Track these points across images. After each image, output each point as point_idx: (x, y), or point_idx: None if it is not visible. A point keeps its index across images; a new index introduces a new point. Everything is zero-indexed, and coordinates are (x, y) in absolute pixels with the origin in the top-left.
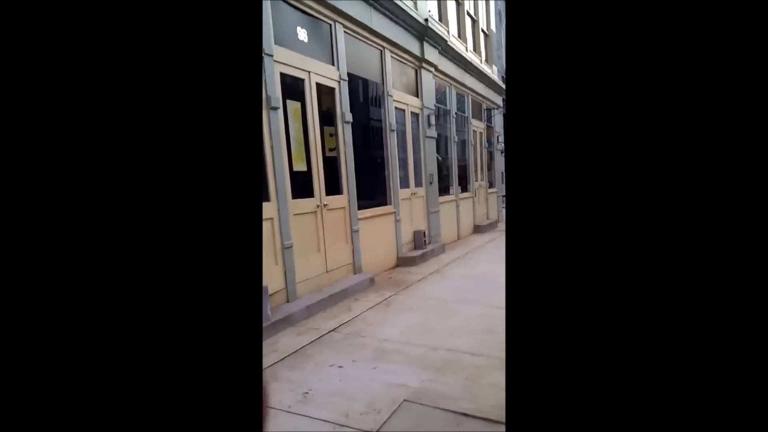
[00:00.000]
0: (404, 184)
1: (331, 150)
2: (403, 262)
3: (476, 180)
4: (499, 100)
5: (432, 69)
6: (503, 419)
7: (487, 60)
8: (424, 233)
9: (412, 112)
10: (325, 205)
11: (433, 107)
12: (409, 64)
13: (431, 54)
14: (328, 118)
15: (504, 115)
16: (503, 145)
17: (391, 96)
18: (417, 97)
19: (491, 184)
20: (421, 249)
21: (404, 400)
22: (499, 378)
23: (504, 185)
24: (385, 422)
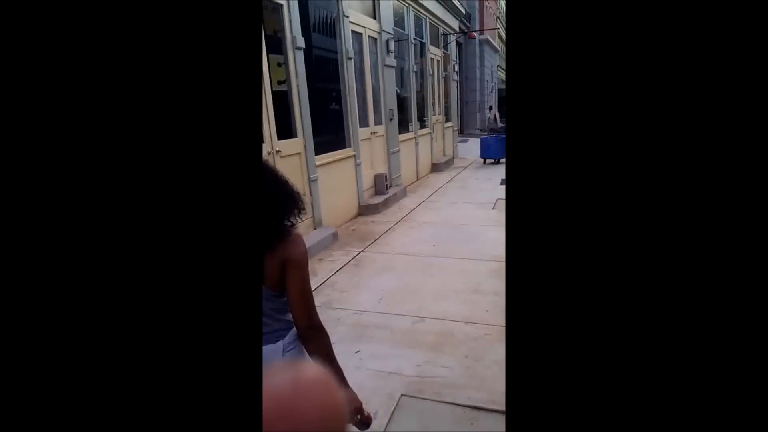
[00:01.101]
0: (363, 122)
1: (280, 83)
2: (365, 210)
3: (434, 114)
4: (456, 24)
5: None
6: None
7: None
8: (386, 177)
9: (369, 37)
10: (277, 152)
11: (392, 31)
12: None
13: None
14: (275, 44)
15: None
16: (458, 74)
17: (348, 17)
18: (375, 19)
19: (447, 118)
20: (382, 194)
21: (402, 395)
22: (502, 352)
23: (459, 118)
24: (385, 429)
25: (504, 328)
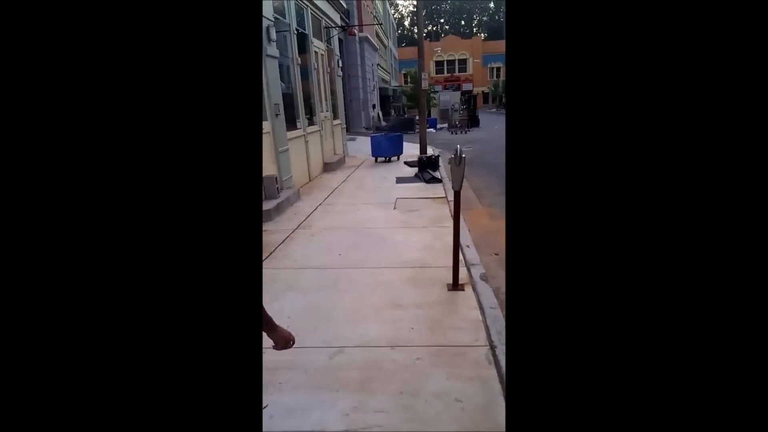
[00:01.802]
0: None
1: None
2: None
3: (322, 111)
4: (337, 17)
5: None
6: None
7: None
8: (276, 179)
9: None
10: None
11: (272, 19)
12: None
13: None
14: None
15: (339, 40)
16: (342, 70)
17: None
18: None
19: (335, 115)
20: (274, 199)
21: None
22: (440, 380)
23: (345, 115)
24: None
25: (436, 349)
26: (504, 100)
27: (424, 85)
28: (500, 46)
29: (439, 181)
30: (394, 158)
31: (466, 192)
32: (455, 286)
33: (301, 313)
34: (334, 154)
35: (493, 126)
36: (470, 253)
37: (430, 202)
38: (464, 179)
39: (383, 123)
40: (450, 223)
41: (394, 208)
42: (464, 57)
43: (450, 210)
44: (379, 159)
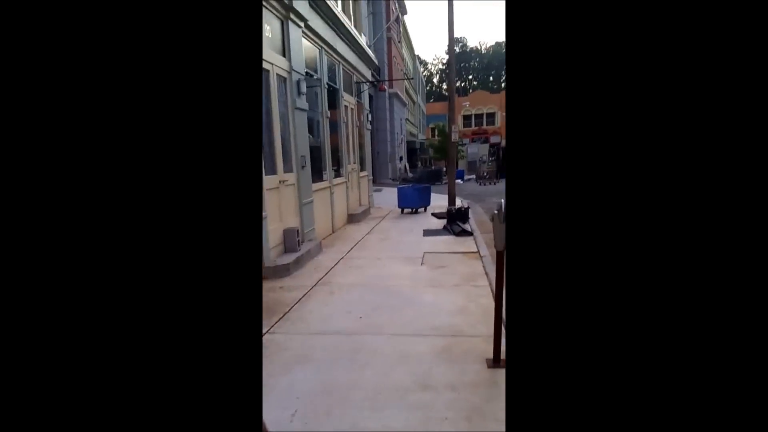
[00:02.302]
0: (270, 169)
1: None
2: (272, 273)
3: (349, 163)
4: (368, 73)
5: (302, 24)
6: None
7: (355, 26)
8: (297, 231)
9: (278, 75)
10: None
11: (303, 73)
12: (274, 12)
13: (301, 5)
14: None
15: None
16: (371, 124)
17: None
18: (284, 56)
19: (362, 167)
20: (294, 252)
21: None
22: None
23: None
24: None
25: None
26: None
27: (454, 137)
28: None
29: (470, 234)
30: (421, 210)
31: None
32: (496, 361)
33: (313, 392)
34: (360, 205)
35: None
36: None
37: (461, 258)
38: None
39: (410, 174)
40: (484, 282)
41: (422, 263)
42: (492, 111)
43: (483, 266)
44: (406, 210)
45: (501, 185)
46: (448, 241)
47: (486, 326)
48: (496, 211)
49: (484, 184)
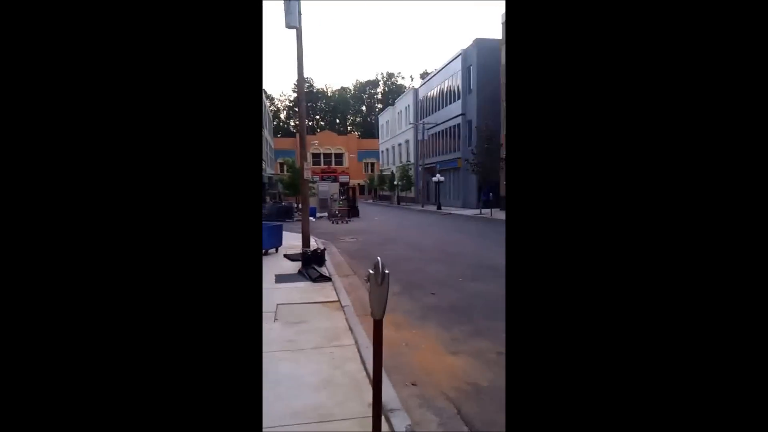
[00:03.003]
0: None
1: None
2: None
3: None
4: None
5: None
6: None
7: None
8: None
9: None
10: None
11: None
12: None
13: None
14: None
15: None
16: None
17: None
18: None
19: None
20: None
21: None
22: None
23: None
24: None
25: None
26: (377, 191)
27: (306, 174)
28: (374, 144)
29: (328, 279)
30: (272, 251)
31: (360, 293)
32: None
33: None
34: None
35: (374, 217)
36: (384, 387)
37: (321, 309)
38: (354, 274)
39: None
40: (349, 340)
41: (275, 319)
42: (340, 151)
43: (346, 319)
44: None
45: (353, 224)
46: (304, 289)
47: (358, 402)
48: (371, 271)
49: (337, 223)
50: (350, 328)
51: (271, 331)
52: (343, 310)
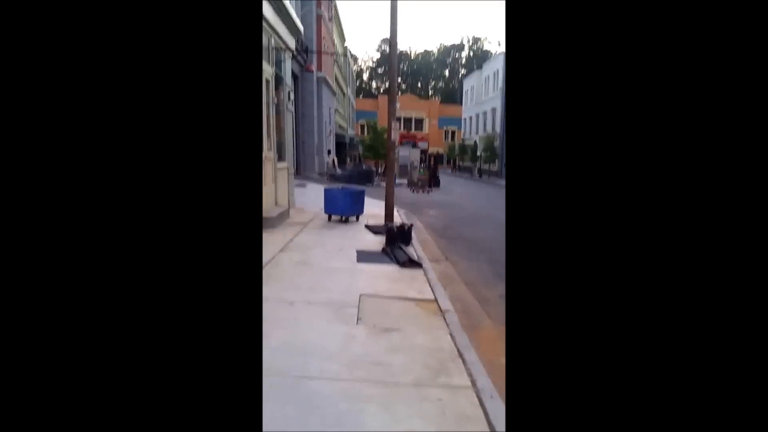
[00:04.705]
0: None
1: None
2: None
3: (262, 149)
4: (291, 41)
5: None
6: None
7: None
8: None
9: None
10: None
11: None
12: None
13: None
14: None
15: (294, 76)
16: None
17: None
18: None
19: (280, 156)
20: None
21: None
22: None
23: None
24: None
25: None
26: (458, 162)
27: (394, 135)
28: (456, 110)
29: (419, 265)
30: (353, 218)
31: (458, 288)
32: None
33: None
34: (276, 205)
35: (455, 189)
36: None
37: (415, 310)
38: (446, 259)
39: (338, 171)
40: (462, 377)
41: (358, 319)
42: (421, 117)
43: (450, 334)
44: (334, 217)
45: (435, 195)
46: (391, 275)
47: None
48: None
49: (417, 192)
50: (459, 353)
51: (353, 341)
52: (444, 317)
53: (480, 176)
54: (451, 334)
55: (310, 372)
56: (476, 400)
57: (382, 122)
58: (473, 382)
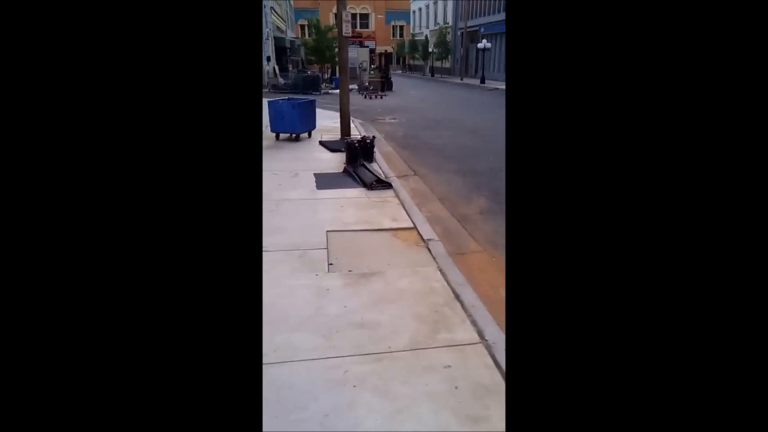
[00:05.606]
0: None
1: None
2: None
3: None
4: None
5: None
6: None
7: None
8: None
9: None
10: None
11: None
12: None
13: None
14: None
15: None
16: None
17: None
18: None
19: None
20: None
21: None
22: None
23: None
24: None
25: None
26: (407, 61)
27: (346, 29)
28: (403, 4)
29: (389, 186)
30: (304, 135)
31: (434, 207)
32: None
33: None
34: None
35: (409, 91)
36: None
37: (394, 243)
38: (414, 174)
39: (281, 81)
40: (467, 330)
41: (330, 264)
42: (366, 12)
43: (439, 267)
44: (282, 136)
45: (389, 99)
46: (359, 201)
47: None
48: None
49: (370, 97)
50: (455, 295)
51: (326, 297)
52: (429, 249)
53: (432, 75)
54: (440, 270)
55: (277, 354)
56: (490, 359)
57: (324, 20)
58: (480, 334)
